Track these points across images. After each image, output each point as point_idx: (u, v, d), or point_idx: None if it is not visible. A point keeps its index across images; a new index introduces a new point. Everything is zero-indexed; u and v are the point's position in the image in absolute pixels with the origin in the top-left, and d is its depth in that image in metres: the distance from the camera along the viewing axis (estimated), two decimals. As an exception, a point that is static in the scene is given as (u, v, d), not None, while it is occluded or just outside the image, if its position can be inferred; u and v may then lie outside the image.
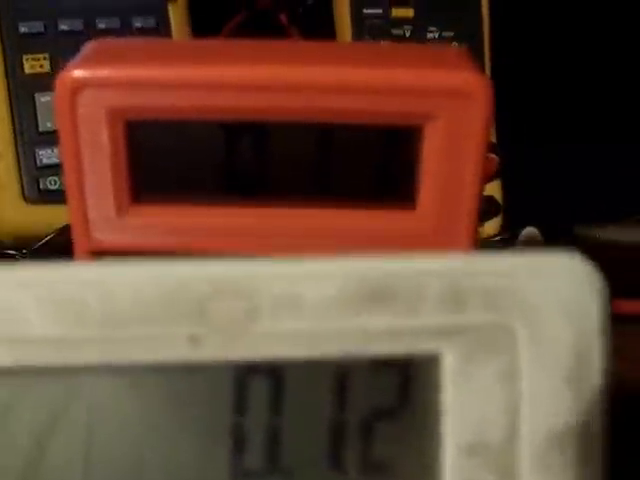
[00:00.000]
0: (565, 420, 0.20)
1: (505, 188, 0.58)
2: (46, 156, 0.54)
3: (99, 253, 0.28)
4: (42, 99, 0.54)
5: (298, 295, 0.19)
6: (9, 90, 0.54)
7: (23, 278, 0.19)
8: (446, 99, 0.26)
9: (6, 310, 0.19)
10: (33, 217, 0.52)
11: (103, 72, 0.26)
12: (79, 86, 0.26)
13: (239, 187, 0.27)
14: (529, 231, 0.50)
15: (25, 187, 0.54)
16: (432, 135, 0.26)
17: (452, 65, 0.26)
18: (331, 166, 0.27)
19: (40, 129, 0.54)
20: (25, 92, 0.54)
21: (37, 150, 0.54)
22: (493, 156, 0.58)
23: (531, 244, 0.50)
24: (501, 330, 0.20)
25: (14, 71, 0.55)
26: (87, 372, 0.19)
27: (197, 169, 0.27)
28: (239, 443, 0.20)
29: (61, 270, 0.19)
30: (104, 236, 0.27)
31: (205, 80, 0.26)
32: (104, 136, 0.26)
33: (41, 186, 0.54)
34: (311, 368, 0.20)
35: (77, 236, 0.28)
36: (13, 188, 0.54)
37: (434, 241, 0.27)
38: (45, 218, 0.50)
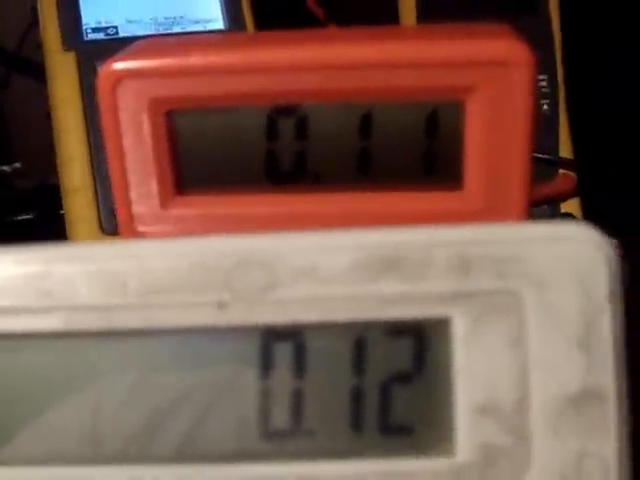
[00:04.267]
0: (578, 385, 0.20)
1: (584, 205, 0.56)
2: (122, 188, 0.55)
3: (145, 246, 0.28)
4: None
5: (314, 265, 0.21)
6: (87, 126, 0.56)
7: (74, 254, 0.21)
8: (485, 70, 0.25)
9: (60, 282, 0.21)
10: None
11: (142, 63, 0.26)
12: (119, 78, 0.26)
13: (281, 174, 0.27)
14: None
15: (102, 219, 0.55)
16: (474, 110, 0.25)
17: (492, 36, 0.26)
18: (373, 149, 0.27)
19: (116, 163, 0.55)
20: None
21: (114, 183, 0.55)
22: (571, 173, 0.57)
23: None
24: (509, 296, 0.20)
25: (92, 108, 0.56)
26: (128, 336, 0.21)
27: (239, 157, 0.27)
28: (265, 405, 0.21)
29: (106, 247, 0.22)
30: (149, 228, 0.28)
31: (243, 65, 0.26)
32: (146, 127, 0.27)
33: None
34: (329, 332, 0.21)
35: (123, 229, 0.28)
36: (91, 220, 0.55)
37: (483, 221, 0.26)
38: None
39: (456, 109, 0.26)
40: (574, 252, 0.20)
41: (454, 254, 0.20)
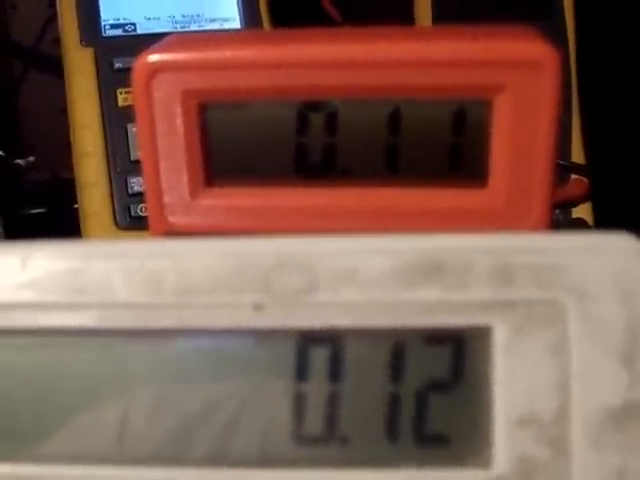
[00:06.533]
0: (620, 399, 0.20)
1: (596, 211, 0.57)
2: (137, 184, 0.56)
3: (173, 235, 0.28)
4: (134, 129, 0.56)
5: (354, 269, 0.20)
6: (103, 122, 0.57)
7: (112, 252, 0.21)
8: (514, 70, 0.25)
9: (96, 279, 0.21)
10: (124, 242, 0.54)
11: (177, 56, 0.27)
12: (154, 70, 0.27)
13: (310, 168, 0.28)
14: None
15: (117, 213, 0.56)
16: (502, 109, 0.26)
17: (520, 37, 0.26)
18: (401, 145, 0.27)
19: (132, 158, 0.56)
20: (118, 123, 0.56)
21: (129, 178, 0.56)
22: (583, 178, 0.58)
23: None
24: (551, 306, 0.20)
25: (109, 104, 0.57)
26: (162, 335, 0.21)
27: (268, 150, 0.28)
28: (300, 409, 0.21)
29: (144, 245, 0.21)
30: (178, 219, 0.28)
31: (275, 60, 0.26)
32: (178, 119, 0.27)
33: (132, 213, 0.56)
34: (368, 338, 0.20)
35: (153, 219, 0.28)
36: (105, 214, 0.56)
37: (506, 219, 0.27)
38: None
39: (484, 107, 0.26)
40: (617, 262, 0.20)
41: (496, 262, 0.20)
